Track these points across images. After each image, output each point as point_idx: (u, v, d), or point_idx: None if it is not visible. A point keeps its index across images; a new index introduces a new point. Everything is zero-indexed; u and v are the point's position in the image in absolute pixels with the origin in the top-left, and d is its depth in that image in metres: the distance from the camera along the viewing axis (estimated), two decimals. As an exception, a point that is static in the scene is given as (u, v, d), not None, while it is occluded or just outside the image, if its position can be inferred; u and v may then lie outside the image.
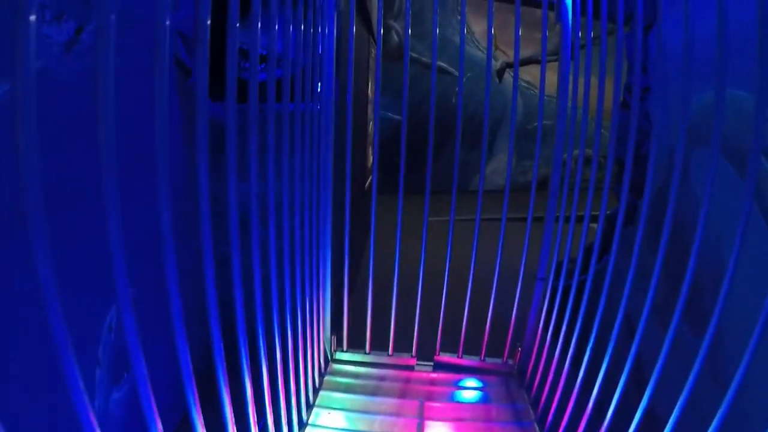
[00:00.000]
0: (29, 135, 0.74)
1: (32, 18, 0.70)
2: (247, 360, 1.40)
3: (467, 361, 2.48)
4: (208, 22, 1.06)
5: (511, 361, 2.46)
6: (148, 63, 0.95)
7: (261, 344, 1.51)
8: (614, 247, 1.72)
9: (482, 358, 2.46)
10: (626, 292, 1.59)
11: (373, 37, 3.82)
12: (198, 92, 1.08)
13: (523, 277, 2.35)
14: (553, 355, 2.01)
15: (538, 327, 2.25)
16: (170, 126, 1.19)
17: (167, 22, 0.92)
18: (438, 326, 2.44)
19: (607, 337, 1.68)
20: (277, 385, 1.69)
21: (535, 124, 2.27)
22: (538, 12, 2.20)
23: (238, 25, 1.19)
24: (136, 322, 0.95)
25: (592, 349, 1.76)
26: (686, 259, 1.38)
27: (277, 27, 1.48)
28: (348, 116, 2.30)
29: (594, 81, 2.05)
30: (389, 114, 6.98)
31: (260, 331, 1.50)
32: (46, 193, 1.40)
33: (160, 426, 1.03)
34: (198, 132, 1.10)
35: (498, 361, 2.47)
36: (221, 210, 1.29)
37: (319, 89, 2.14)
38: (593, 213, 2.02)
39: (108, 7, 0.80)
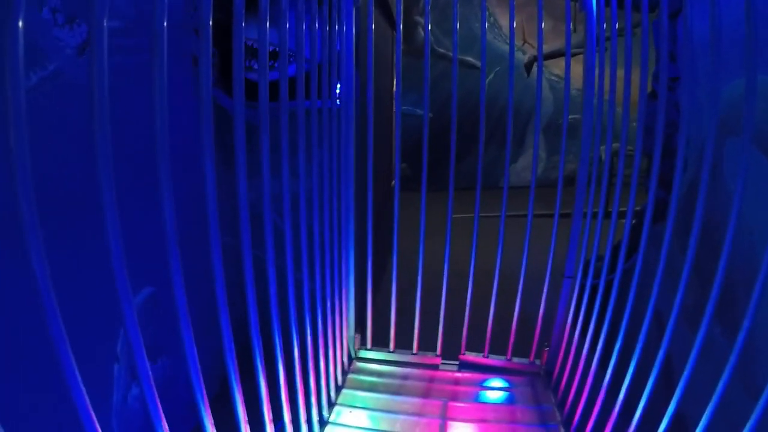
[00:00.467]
0: (21, 143, 0.73)
1: (20, 23, 0.70)
2: (261, 356, 1.39)
3: (493, 360, 2.43)
4: (210, 22, 1.05)
5: (537, 361, 2.40)
6: (169, 63, 0.95)
7: (277, 341, 1.49)
8: (642, 244, 1.66)
9: (508, 357, 2.41)
10: (654, 291, 1.52)
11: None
12: (202, 89, 1.07)
13: (550, 274, 2.29)
14: (581, 356, 1.95)
15: (565, 326, 2.18)
16: (192, 124, 1.19)
17: (164, 23, 0.91)
18: (463, 324, 2.40)
19: (636, 337, 1.62)
20: (296, 383, 1.68)
21: (568, 118, 2.22)
22: (565, 4, 2.14)
23: (243, 24, 1.18)
24: (138, 326, 0.95)
25: (620, 350, 1.70)
26: (718, 258, 1.31)
27: (288, 24, 1.46)
28: (369, 114, 2.27)
29: (621, 72, 1.98)
30: (418, 111, 6.93)
31: (276, 327, 1.49)
32: (64, 192, 1.42)
33: (165, 427, 1.03)
34: (203, 128, 1.09)
35: (524, 360, 2.41)
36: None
37: (338, 87, 2.12)
38: (622, 209, 1.95)
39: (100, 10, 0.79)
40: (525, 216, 2.26)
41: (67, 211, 1.42)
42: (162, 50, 0.91)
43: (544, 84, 7.37)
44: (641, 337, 1.58)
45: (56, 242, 1.38)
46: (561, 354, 2.20)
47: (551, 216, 2.23)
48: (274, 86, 1.43)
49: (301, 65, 1.59)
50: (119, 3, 1.58)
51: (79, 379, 0.85)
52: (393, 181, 2.46)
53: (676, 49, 2.01)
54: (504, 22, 7.32)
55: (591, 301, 2.04)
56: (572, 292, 2.17)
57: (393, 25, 3.87)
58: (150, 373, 0.99)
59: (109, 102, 0.87)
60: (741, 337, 1.20)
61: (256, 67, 2.02)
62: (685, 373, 1.37)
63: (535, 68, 7.55)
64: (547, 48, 6.21)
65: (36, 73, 1.27)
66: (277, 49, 1.46)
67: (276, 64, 1.57)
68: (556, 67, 7.35)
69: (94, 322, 1.54)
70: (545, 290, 2.28)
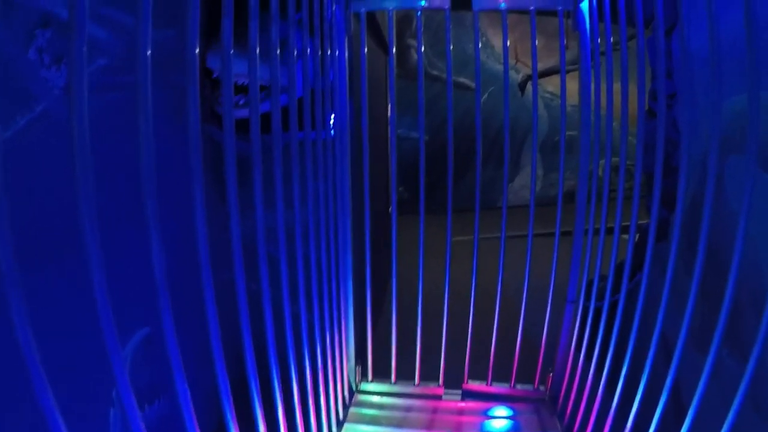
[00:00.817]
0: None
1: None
2: (258, 393, 1.34)
3: (496, 388, 2.37)
4: (197, 51, 1.02)
5: (542, 387, 2.35)
6: (159, 98, 0.93)
7: (275, 377, 1.45)
8: (646, 267, 1.62)
9: (512, 384, 2.35)
10: (660, 315, 1.48)
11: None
12: (190, 122, 1.04)
13: (553, 296, 2.24)
14: (586, 380, 1.90)
15: (569, 351, 2.13)
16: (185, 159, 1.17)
17: (148, 52, 0.88)
18: (465, 351, 2.35)
19: (642, 360, 1.58)
20: (296, 419, 1.64)
21: (559, 135, 2.20)
22: (557, 21, 2.13)
23: (232, 51, 1.15)
24: (128, 381, 0.91)
25: (627, 375, 1.66)
26: (723, 278, 1.28)
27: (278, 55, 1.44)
28: (364, 141, 2.25)
29: (617, 87, 1.96)
30: (413, 134, 6.94)
31: (273, 362, 1.45)
32: (58, 232, 1.39)
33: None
34: (192, 162, 1.06)
35: (529, 387, 2.36)
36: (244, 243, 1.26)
37: (332, 118, 2.09)
38: (624, 224, 1.91)
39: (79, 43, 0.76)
40: (524, 236, 2.22)
41: (61, 251, 1.39)
42: (146, 82, 0.88)
43: (539, 102, 7.39)
44: (648, 363, 1.53)
45: (51, 283, 1.35)
46: (566, 379, 2.15)
47: (551, 235, 2.20)
48: (266, 119, 1.41)
49: (293, 97, 1.57)
50: (107, 40, 1.56)
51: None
52: (390, 206, 2.43)
53: (672, 65, 1.99)
54: (496, 41, 7.37)
55: (595, 324, 1.99)
56: (575, 315, 2.12)
57: (385, 49, 3.87)
58: (141, 422, 0.94)
59: (93, 140, 0.85)
60: (752, 362, 1.15)
61: (242, 102, 2.01)
62: (695, 399, 1.32)
63: (529, 87, 7.59)
64: (540, 66, 6.24)
65: (24, 115, 1.24)
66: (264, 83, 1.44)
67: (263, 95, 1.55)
68: (550, 84, 7.38)
69: (89, 365, 1.50)
70: (548, 313, 2.23)
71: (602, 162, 2.07)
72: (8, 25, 1.19)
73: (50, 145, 1.33)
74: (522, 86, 7.49)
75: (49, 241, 1.34)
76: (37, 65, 1.32)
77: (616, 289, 1.90)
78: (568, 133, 2.15)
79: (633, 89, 1.82)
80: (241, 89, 1.85)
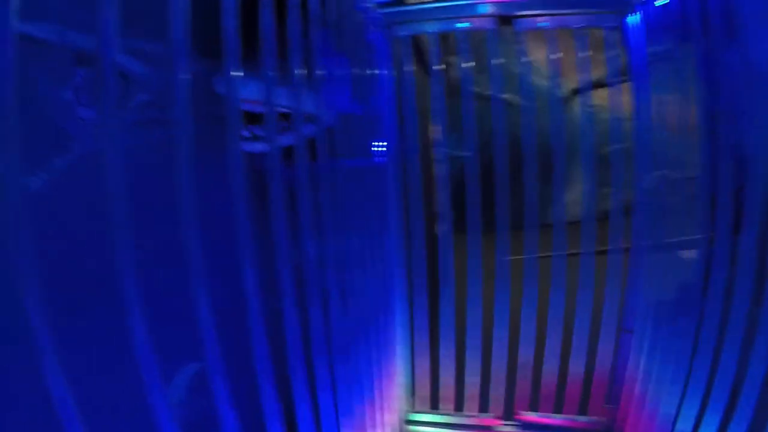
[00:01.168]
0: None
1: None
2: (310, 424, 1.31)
3: (555, 420, 2.25)
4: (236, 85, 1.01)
5: (604, 419, 2.22)
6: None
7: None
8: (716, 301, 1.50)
9: (571, 416, 2.23)
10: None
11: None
12: (230, 156, 1.02)
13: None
14: (655, 416, 1.78)
15: (631, 382, 2.01)
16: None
17: (182, 76, 0.87)
18: (524, 381, 2.25)
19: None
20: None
21: (607, 148, 2.14)
22: (598, 33, 2.07)
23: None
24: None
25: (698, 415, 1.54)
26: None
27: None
28: (413, 166, 2.21)
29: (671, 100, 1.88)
30: (456, 153, 6.87)
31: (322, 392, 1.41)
32: (103, 275, 1.38)
33: None
34: (234, 194, 1.04)
35: (588, 419, 2.23)
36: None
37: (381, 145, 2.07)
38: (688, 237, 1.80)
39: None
40: (576, 254, 2.12)
41: (108, 295, 1.38)
42: (183, 106, 0.87)
43: (583, 116, 7.23)
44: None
45: (102, 325, 1.34)
46: (630, 412, 2.02)
47: (602, 253, 2.10)
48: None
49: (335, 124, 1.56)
50: (148, 76, 1.57)
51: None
52: (434, 227, 2.39)
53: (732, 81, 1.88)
54: (537, 55, 7.25)
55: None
56: (637, 345, 2.00)
57: (425, 68, 3.85)
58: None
59: (137, 177, 0.84)
60: None
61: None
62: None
63: (575, 101, 7.44)
64: (584, 79, 6.10)
65: (61, 157, 1.24)
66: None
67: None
68: (594, 96, 7.21)
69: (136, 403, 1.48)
70: (611, 341, 2.11)
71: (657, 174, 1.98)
72: (43, 64, 1.19)
73: (89, 187, 1.32)
74: (567, 101, 7.35)
75: (95, 285, 1.33)
76: (74, 104, 1.31)
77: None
78: (615, 146, 2.09)
79: (685, 105, 1.73)
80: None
